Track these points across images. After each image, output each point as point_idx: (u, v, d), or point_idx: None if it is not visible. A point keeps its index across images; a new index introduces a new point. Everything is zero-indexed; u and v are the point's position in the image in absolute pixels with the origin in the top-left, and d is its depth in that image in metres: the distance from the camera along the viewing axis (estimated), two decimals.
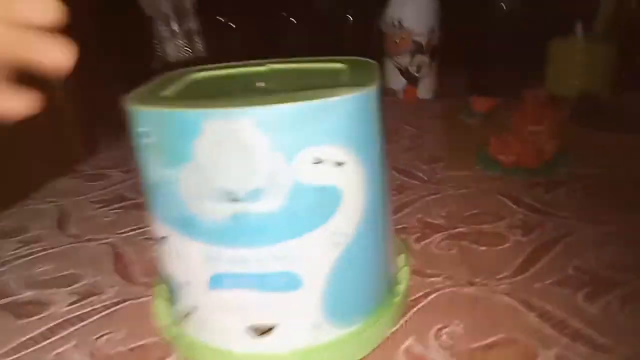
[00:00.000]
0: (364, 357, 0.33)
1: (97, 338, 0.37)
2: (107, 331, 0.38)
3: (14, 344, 0.37)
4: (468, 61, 1.02)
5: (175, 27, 1.14)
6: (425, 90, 0.96)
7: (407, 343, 0.34)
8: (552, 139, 0.61)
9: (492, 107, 0.78)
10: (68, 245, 0.51)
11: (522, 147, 0.59)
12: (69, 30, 0.23)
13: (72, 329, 0.38)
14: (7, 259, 0.49)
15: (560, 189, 0.55)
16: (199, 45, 1.11)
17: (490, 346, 0.33)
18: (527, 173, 0.58)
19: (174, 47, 1.12)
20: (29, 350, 0.36)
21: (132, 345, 0.36)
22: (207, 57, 1.09)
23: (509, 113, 0.75)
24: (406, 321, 0.36)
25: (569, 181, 0.56)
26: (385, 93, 1.01)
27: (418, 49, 0.96)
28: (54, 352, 0.36)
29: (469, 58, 1.03)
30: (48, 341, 0.37)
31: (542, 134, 0.64)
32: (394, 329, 0.35)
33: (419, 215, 0.51)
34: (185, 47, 1.11)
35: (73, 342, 0.37)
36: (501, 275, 0.41)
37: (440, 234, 0.48)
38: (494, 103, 0.79)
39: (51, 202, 0.61)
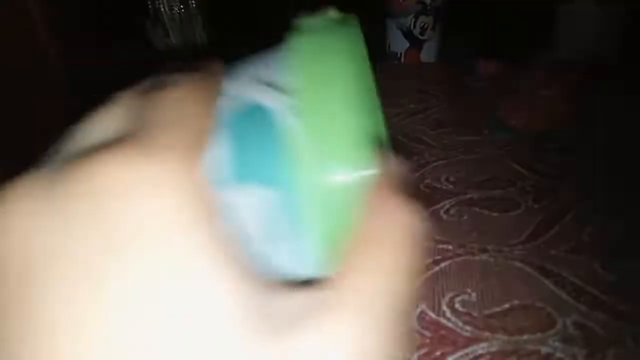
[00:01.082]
0: None
1: None
2: None
3: None
4: (474, 23, 0.99)
5: (175, 9, 1.09)
6: (428, 53, 0.93)
7: (419, 309, 0.33)
8: (564, 103, 0.59)
9: (499, 71, 0.75)
10: None
11: (533, 111, 0.57)
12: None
13: None
14: None
15: (572, 153, 0.53)
16: (200, 29, 1.07)
17: (505, 313, 0.32)
18: (537, 137, 0.56)
19: (175, 32, 1.08)
20: None
21: None
22: (208, 41, 1.05)
23: (517, 77, 0.73)
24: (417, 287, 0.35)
25: (580, 146, 0.54)
26: (387, 56, 0.98)
27: (422, 9, 0.92)
28: None
29: (474, 20, 0.99)
30: None
31: (553, 98, 0.62)
32: None
33: (427, 181, 0.50)
34: (186, 30, 1.07)
35: None
36: (514, 242, 0.39)
37: (449, 200, 0.46)
38: (501, 67, 0.76)
39: None
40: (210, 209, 0.12)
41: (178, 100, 0.13)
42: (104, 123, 0.13)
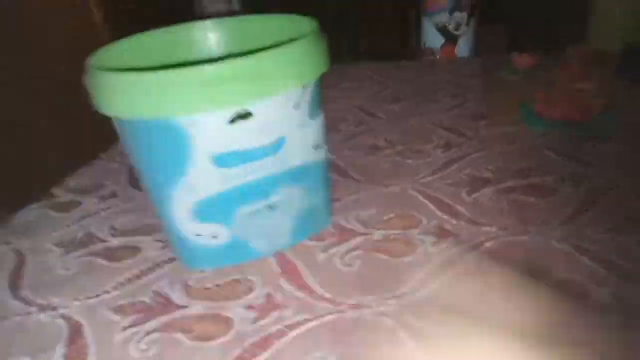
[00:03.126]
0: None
1: (188, 277, 0.42)
2: (195, 271, 0.42)
3: (113, 283, 0.42)
4: (507, 18, 1.01)
5: None
6: (464, 48, 0.97)
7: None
8: (598, 96, 0.62)
9: (534, 64, 0.78)
10: (143, 201, 0.55)
11: (568, 104, 0.60)
12: None
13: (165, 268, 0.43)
14: (91, 212, 0.54)
15: (607, 144, 0.56)
16: (234, 3, 1.12)
17: (545, 285, 0.37)
18: (573, 129, 0.59)
19: (210, 4, 1.14)
20: (126, 287, 0.41)
21: (220, 282, 0.41)
22: (244, 10, 1.10)
23: (552, 70, 0.75)
24: (465, 264, 0.40)
25: (615, 137, 0.57)
26: (424, 53, 1.01)
27: (457, 5, 0.96)
28: (152, 288, 0.41)
29: (508, 14, 1.02)
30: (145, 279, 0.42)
31: (588, 91, 0.65)
32: (455, 271, 0.39)
33: (468, 171, 0.54)
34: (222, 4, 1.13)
35: (167, 280, 0.42)
36: (553, 225, 0.43)
37: (489, 188, 0.50)
38: (536, 60, 0.79)
39: (120, 162, 0.66)
40: None
41: None
42: None
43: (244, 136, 0.37)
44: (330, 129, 0.69)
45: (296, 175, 0.42)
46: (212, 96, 0.34)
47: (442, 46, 0.97)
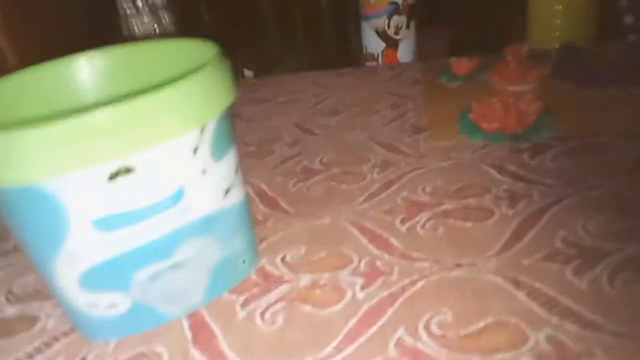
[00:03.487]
0: None
1: (87, 352, 0.37)
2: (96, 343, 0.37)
3: None
4: (449, 19, 0.99)
5: (140, 2, 1.08)
6: (405, 52, 0.94)
7: (397, 335, 0.34)
8: (535, 100, 0.59)
9: (473, 68, 0.76)
10: None
11: (504, 112, 0.58)
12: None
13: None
14: None
15: (545, 153, 0.54)
16: (165, 21, 1.06)
17: (480, 332, 0.33)
18: (511, 139, 0.57)
19: (140, 24, 1.07)
20: None
21: (122, 357, 0.36)
22: (175, 32, 1.04)
23: (490, 73, 0.73)
24: (395, 312, 0.36)
25: (553, 145, 0.55)
26: (365, 58, 0.98)
27: (395, 9, 0.93)
28: None
29: (448, 16, 0.99)
30: None
31: (524, 94, 0.63)
32: (383, 321, 0.35)
33: (404, 194, 0.50)
34: (152, 23, 1.06)
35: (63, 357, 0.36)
36: (489, 254, 0.40)
37: (425, 213, 0.47)
38: (475, 64, 0.76)
39: None
40: None
41: None
42: None
43: (129, 194, 0.32)
44: (263, 151, 0.65)
45: (204, 226, 0.37)
46: (80, 154, 0.29)
47: (383, 51, 0.94)
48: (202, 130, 0.34)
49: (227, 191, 0.38)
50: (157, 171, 0.33)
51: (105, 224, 0.32)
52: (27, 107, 0.40)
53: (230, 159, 0.38)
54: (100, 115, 0.29)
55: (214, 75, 0.34)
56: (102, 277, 0.34)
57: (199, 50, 0.40)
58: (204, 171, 0.35)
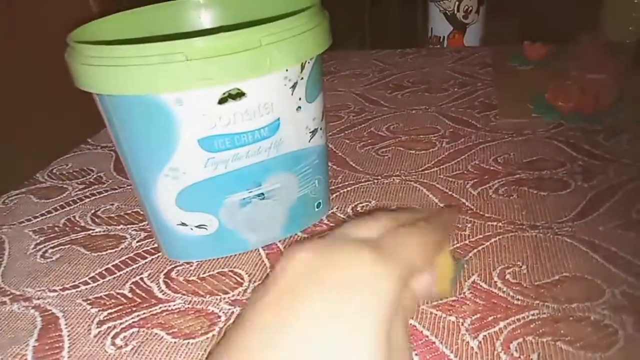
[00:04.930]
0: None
1: (171, 269, 0.39)
2: (179, 263, 0.40)
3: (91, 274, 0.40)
4: (517, 6, 0.98)
5: None
6: (472, 37, 0.93)
7: (471, 280, 0.35)
8: (612, 87, 0.58)
9: (546, 54, 0.75)
10: (129, 187, 0.53)
11: (581, 94, 0.57)
12: None
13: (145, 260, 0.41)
14: (73, 198, 0.51)
15: (620, 136, 0.53)
16: None
17: (555, 284, 0.34)
18: (586, 120, 0.56)
19: None
20: (106, 279, 0.39)
21: (204, 275, 0.38)
22: None
23: (564, 60, 0.72)
24: (467, 260, 0.37)
25: (628, 129, 0.54)
26: (430, 41, 0.98)
27: None
28: (130, 282, 0.38)
29: (518, 4, 0.98)
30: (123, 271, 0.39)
31: (601, 81, 0.62)
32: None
33: (475, 162, 0.51)
34: None
35: (147, 273, 0.39)
36: (564, 219, 0.40)
37: (498, 180, 0.47)
38: (547, 50, 0.75)
39: (107, 147, 0.63)
40: (393, 319, 0.18)
41: (418, 235, 0.21)
42: (364, 228, 0.21)
43: (235, 118, 0.34)
44: (329, 116, 0.66)
45: (291, 162, 0.39)
46: (200, 73, 0.31)
47: (450, 34, 0.94)
48: (302, 68, 0.36)
49: (313, 132, 0.40)
50: (261, 100, 0.34)
51: (211, 143, 0.34)
52: (146, 34, 0.43)
53: (319, 103, 0.40)
54: (221, 39, 0.31)
55: (316, 19, 0.36)
56: (197, 197, 0.36)
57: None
58: (298, 108, 0.37)
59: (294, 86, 0.36)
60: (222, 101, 0.33)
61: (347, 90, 0.75)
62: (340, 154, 0.56)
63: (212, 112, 0.33)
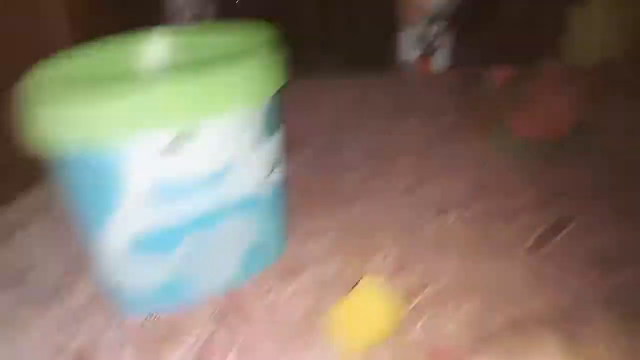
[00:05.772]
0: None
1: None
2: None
3: None
4: (484, 29, 0.99)
5: None
6: (440, 61, 0.95)
7: (421, 322, 0.35)
8: (572, 113, 0.60)
9: (510, 79, 0.77)
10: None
11: (540, 122, 0.58)
12: None
13: None
14: None
15: (577, 165, 0.54)
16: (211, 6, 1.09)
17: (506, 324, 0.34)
18: (544, 148, 0.57)
19: (185, 6, 1.09)
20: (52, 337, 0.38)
21: (155, 326, 0.38)
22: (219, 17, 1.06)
23: (527, 84, 0.74)
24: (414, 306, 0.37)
25: (586, 157, 0.56)
26: (398, 65, 0.99)
27: (433, 17, 0.94)
28: (79, 336, 0.38)
29: (485, 26, 1.00)
30: None
31: (561, 107, 0.63)
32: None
33: (433, 195, 0.52)
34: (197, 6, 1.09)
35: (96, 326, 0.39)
36: (518, 252, 0.41)
37: (455, 213, 0.48)
38: (511, 74, 0.77)
39: None
40: None
41: None
42: None
43: (183, 164, 0.34)
44: (294, 146, 0.67)
45: (246, 205, 0.39)
46: (144, 121, 0.31)
47: (418, 59, 0.95)
48: (256, 108, 0.36)
49: (269, 173, 0.40)
50: (211, 144, 0.35)
51: (158, 192, 0.34)
52: (99, 72, 0.42)
53: (276, 142, 0.40)
54: (163, 87, 0.31)
55: (271, 57, 0.36)
56: (147, 245, 0.36)
57: (255, 33, 0.41)
58: (252, 150, 0.37)
59: (247, 127, 0.36)
60: (169, 148, 0.33)
61: (314, 119, 0.75)
62: (300, 187, 0.56)
63: (158, 160, 0.33)
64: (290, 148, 0.65)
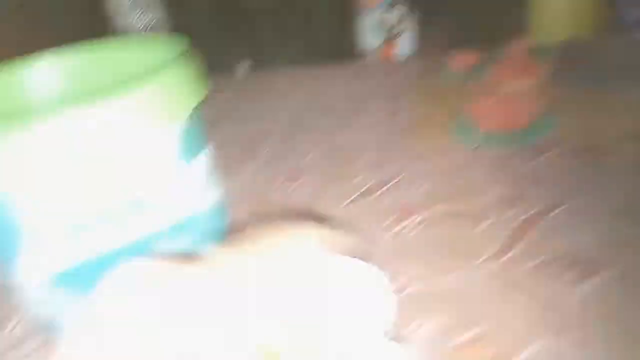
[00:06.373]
0: None
1: None
2: None
3: None
4: (449, 12, 0.96)
5: None
6: (403, 46, 0.91)
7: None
8: (535, 99, 0.57)
9: (473, 64, 0.73)
10: None
11: (502, 111, 0.55)
12: None
13: None
14: None
15: (543, 156, 0.51)
16: (159, 16, 1.04)
17: (478, 338, 0.31)
18: (508, 139, 0.54)
19: (133, 18, 1.05)
20: None
21: None
22: (169, 28, 1.02)
23: (490, 69, 0.71)
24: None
25: (552, 147, 0.53)
26: (360, 52, 0.95)
27: (394, 1, 0.90)
28: None
29: (449, 8, 0.96)
30: None
31: (524, 93, 0.60)
32: None
33: (395, 196, 0.48)
34: (145, 18, 1.04)
35: None
36: (483, 259, 0.38)
37: (416, 216, 0.44)
38: (474, 59, 0.74)
39: None
40: None
41: None
42: None
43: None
44: (247, 152, 0.62)
45: (176, 232, 0.34)
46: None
47: (381, 45, 0.91)
48: (170, 131, 0.32)
49: (199, 197, 0.36)
50: (121, 175, 0.30)
51: (63, 229, 0.30)
52: None
53: (202, 163, 0.36)
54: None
55: (180, 74, 0.32)
56: (68, 281, 0.32)
57: (166, 47, 0.37)
58: (173, 171, 0.33)
59: (161, 153, 0.32)
60: None
61: (270, 118, 0.71)
62: (252, 200, 0.52)
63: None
64: (240, 156, 0.61)
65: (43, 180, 0.28)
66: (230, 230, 0.41)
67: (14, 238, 0.29)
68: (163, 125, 0.31)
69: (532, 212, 0.43)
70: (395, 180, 0.51)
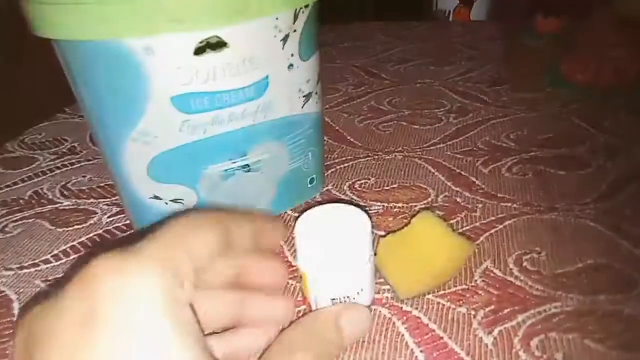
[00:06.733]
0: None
1: None
2: None
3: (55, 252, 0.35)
4: None
5: None
6: (479, 11, 0.88)
7: (483, 266, 0.31)
8: (632, 62, 0.54)
9: (559, 28, 0.70)
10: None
11: (599, 66, 0.52)
12: None
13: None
14: (43, 169, 0.47)
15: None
16: None
17: (578, 272, 0.30)
18: (604, 95, 0.52)
19: None
20: (70, 257, 0.34)
21: None
22: None
23: (577, 35, 0.67)
24: (479, 245, 0.32)
25: None
26: (435, 14, 0.93)
27: None
28: None
29: None
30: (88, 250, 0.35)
31: (621, 56, 0.57)
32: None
33: (485, 138, 0.46)
34: None
35: None
36: (586, 201, 0.36)
37: (511, 158, 0.43)
38: (560, 24, 0.70)
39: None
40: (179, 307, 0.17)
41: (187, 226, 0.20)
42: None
43: (215, 73, 0.29)
44: (326, 88, 0.61)
45: (281, 130, 0.34)
46: (172, 14, 0.26)
47: (456, 8, 0.88)
48: (295, 18, 0.31)
49: (307, 97, 0.35)
50: (246, 53, 0.30)
51: (185, 103, 0.29)
52: None
53: (314, 63, 0.35)
54: None
55: None
56: (172, 166, 0.32)
57: None
58: (290, 66, 0.32)
59: (285, 39, 0.31)
60: (199, 51, 0.28)
61: (345, 63, 0.70)
62: (337, 127, 0.51)
63: (187, 64, 0.28)
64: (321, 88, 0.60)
65: (174, 40, 0.28)
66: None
67: (137, 101, 0.29)
68: (290, 10, 0.30)
69: (634, 162, 0.40)
70: (485, 125, 0.49)
